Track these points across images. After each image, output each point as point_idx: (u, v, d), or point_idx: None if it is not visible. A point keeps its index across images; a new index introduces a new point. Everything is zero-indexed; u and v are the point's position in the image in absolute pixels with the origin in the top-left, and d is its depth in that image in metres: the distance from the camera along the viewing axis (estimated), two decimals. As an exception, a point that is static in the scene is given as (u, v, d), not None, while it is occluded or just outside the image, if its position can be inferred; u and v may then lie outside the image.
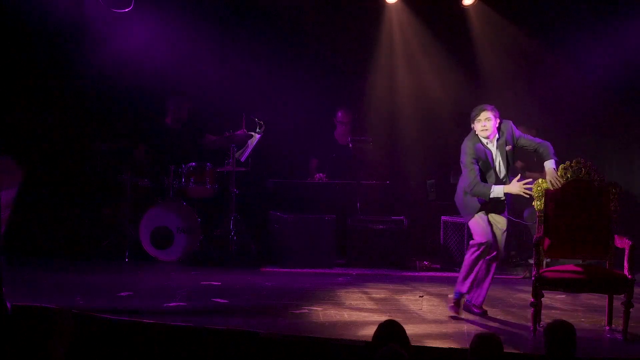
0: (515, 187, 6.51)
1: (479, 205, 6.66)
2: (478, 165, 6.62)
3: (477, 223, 6.68)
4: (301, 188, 9.36)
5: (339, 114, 9.74)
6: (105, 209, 9.23)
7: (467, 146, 6.68)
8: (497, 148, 6.67)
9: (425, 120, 10.08)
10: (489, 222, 6.68)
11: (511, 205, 6.92)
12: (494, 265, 6.74)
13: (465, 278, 6.66)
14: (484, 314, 6.69)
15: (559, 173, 6.42)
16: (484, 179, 6.63)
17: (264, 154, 9.47)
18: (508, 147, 6.65)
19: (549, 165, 6.50)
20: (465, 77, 9.97)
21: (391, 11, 10.04)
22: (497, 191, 6.55)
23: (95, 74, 9.57)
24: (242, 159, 9.18)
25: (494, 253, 6.68)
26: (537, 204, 6.43)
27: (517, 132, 6.71)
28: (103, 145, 9.10)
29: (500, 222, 6.73)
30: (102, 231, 9.10)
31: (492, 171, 6.65)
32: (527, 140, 6.72)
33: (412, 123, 10.01)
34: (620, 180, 9.31)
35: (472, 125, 6.69)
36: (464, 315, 6.64)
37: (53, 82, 9.57)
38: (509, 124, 6.70)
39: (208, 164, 9.08)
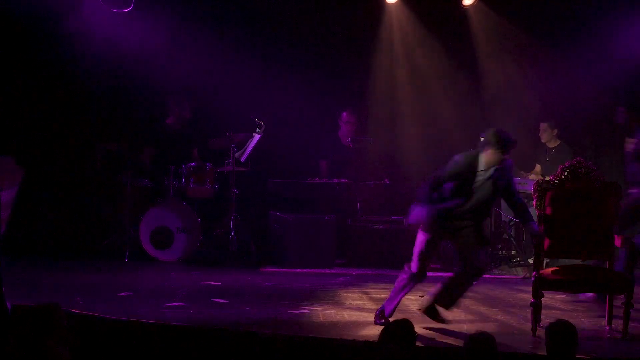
0: None
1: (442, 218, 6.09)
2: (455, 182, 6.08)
3: (422, 242, 6.21)
4: (301, 188, 9.35)
5: (344, 114, 9.68)
6: (105, 209, 9.23)
7: (462, 160, 6.14)
8: (487, 179, 6.14)
9: (425, 120, 10.08)
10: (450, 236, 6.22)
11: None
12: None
13: (392, 300, 6.32)
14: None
15: (557, 173, 6.40)
16: (453, 196, 6.10)
17: (265, 154, 9.47)
18: (500, 183, 6.14)
19: (531, 227, 6.21)
20: (465, 77, 9.98)
21: (391, 11, 10.04)
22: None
23: (96, 75, 9.57)
24: (242, 159, 9.18)
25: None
26: (538, 204, 6.42)
27: (512, 178, 6.26)
28: (103, 145, 9.10)
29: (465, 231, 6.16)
30: (102, 231, 9.10)
31: (466, 194, 6.09)
32: (512, 191, 6.21)
33: (412, 123, 10.01)
34: (619, 180, 9.36)
35: (492, 151, 6.05)
36: (463, 315, 6.64)
37: (53, 82, 9.57)
38: (510, 164, 6.22)
39: (208, 164, 9.09)
